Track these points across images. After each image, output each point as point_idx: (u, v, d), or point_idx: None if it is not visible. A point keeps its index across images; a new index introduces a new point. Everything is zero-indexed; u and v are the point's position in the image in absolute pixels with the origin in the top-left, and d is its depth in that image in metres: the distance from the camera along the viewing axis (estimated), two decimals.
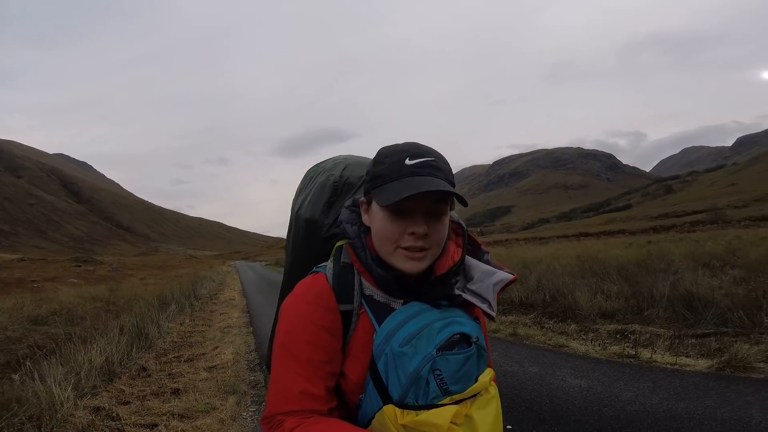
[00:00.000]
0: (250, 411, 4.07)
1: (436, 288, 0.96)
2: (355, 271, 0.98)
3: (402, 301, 0.96)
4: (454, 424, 0.83)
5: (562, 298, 7.86)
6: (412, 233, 0.91)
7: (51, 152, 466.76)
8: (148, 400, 4.23)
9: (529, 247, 29.92)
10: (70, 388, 3.85)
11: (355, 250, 0.98)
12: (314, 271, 1.02)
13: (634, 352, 5.14)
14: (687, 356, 4.99)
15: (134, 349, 5.87)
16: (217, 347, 6.60)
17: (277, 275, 27.29)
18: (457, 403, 0.86)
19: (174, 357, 6.01)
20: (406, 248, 0.92)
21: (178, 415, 3.82)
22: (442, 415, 0.83)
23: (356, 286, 0.97)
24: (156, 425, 3.60)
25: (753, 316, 5.55)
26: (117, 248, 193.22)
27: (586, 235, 50.68)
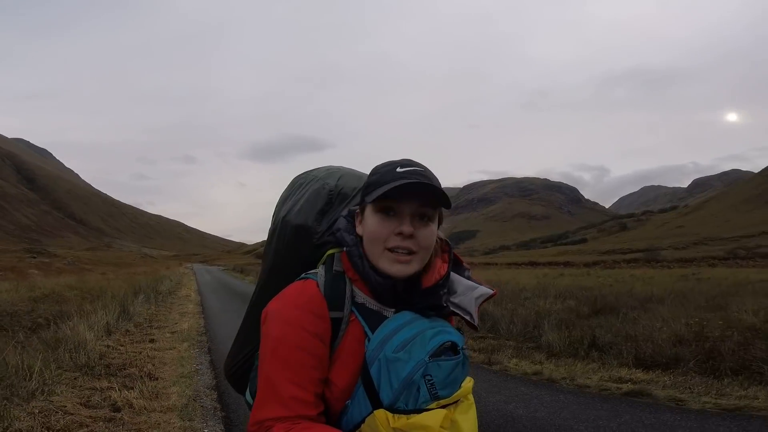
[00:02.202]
0: (195, 350, 6.89)
1: (426, 299, 1.00)
2: (347, 279, 1.02)
3: (393, 309, 1.00)
4: (442, 427, 0.87)
5: None
6: (399, 233, 0.96)
7: (10, 136, 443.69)
8: (135, 344, 7.04)
9: (475, 271, 31.57)
10: (90, 334, 6.25)
11: (351, 258, 1.01)
12: (303, 278, 1.03)
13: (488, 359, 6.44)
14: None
15: (120, 319, 8.40)
16: (176, 323, 9.44)
17: (233, 279, 28.41)
18: (443, 407, 0.90)
19: (147, 326, 8.79)
20: (392, 250, 0.96)
21: (154, 349, 6.76)
22: (434, 417, 0.86)
23: (347, 294, 1.00)
24: (141, 351, 6.47)
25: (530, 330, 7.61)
26: (67, 240, 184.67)
27: (533, 264, 53.10)
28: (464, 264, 1.14)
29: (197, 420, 3.95)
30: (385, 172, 1.01)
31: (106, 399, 4.17)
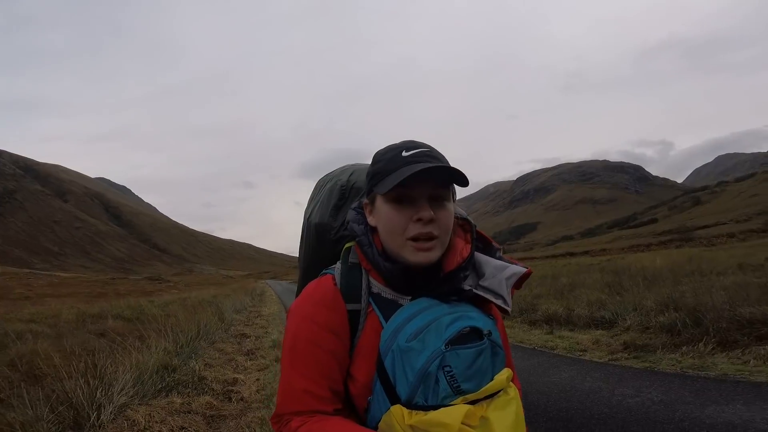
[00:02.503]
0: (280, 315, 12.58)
1: (445, 284, 0.94)
2: (363, 270, 0.99)
3: (410, 297, 0.95)
4: (467, 425, 0.77)
5: None
6: (419, 219, 0.91)
7: (93, 176, 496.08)
8: (253, 322, 11.13)
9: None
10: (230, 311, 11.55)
11: (362, 247, 0.98)
12: (323, 273, 1.03)
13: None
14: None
15: (248, 305, 15.26)
16: (266, 305, 16.42)
17: (295, 287, 36.25)
18: (472, 403, 0.80)
19: (255, 309, 14.67)
20: (414, 239, 0.92)
21: (261, 316, 12.21)
22: (453, 414, 0.77)
23: (364, 285, 0.97)
24: (255, 318, 11.49)
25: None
26: (154, 268, 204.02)
27: (571, 254, 54.15)
28: (494, 243, 1.06)
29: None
30: (389, 158, 0.96)
31: (240, 350, 7.04)
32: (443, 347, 0.82)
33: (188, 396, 4.00)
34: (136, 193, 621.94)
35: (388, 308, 0.95)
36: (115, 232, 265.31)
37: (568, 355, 5.75)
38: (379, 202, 0.97)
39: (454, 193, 1.01)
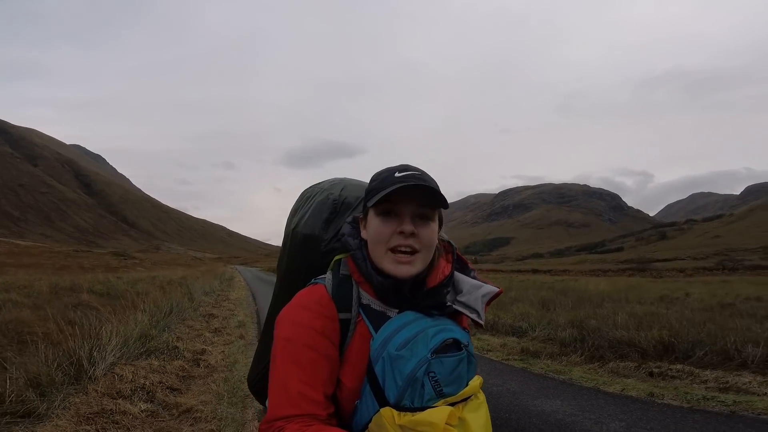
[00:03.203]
0: (248, 297, 14.15)
1: (429, 298, 1.05)
2: (354, 282, 1.08)
3: (397, 310, 1.05)
4: (449, 425, 0.88)
5: None
6: (401, 232, 1.02)
7: (69, 143, 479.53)
8: (221, 304, 11.91)
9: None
10: (200, 292, 12.55)
11: (356, 261, 1.08)
12: (312, 283, 1.10)
13: None
14: None
15: (216, 288, 16.24)
16: (234, 290, 17.24)
17: (265, 275, 36.30)
18: (451, 405, 0.92)
19: (223, 293, 15.39)
20: (394, 250, 1.03)
21: (229, 300, 13.10)
22: (438, 414, 0.88)
23: (354, 296, 1.06)
24: (224, 301, 12.41)
25: None
26: (119, 243, 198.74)
27: (535, 271, 56.32)
28: (469, 264, 1.18)
29: (251, 321, 9.36)
30: (384, 177, 1.07)
31: (208, 327, 7.88)
32: (429, 355, 0.91)
33: (164, 360, 4.77)
34: (111, 163, 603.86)
35: (378, 319, 1.04)
36: (83, 201, 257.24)
37: (474, 352, 6.80)
38: (371, 216, 1.07)
39: (441, 217, 1.12)
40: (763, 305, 11.08)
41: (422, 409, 0.89)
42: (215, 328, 7.69)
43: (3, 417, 2.76)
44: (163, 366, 4.50)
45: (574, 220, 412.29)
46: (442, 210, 1.12)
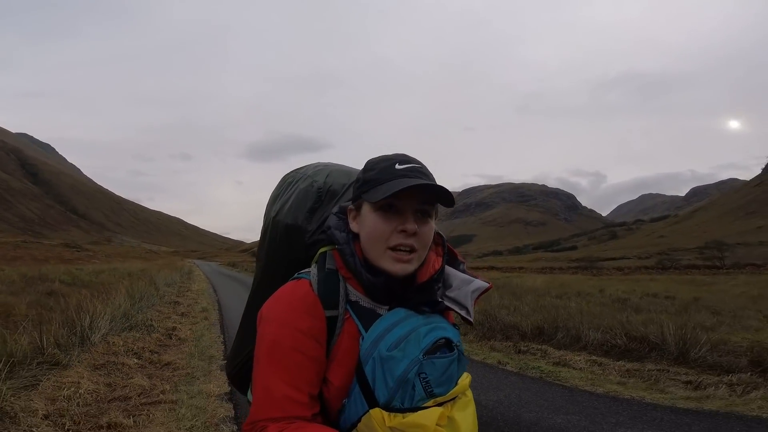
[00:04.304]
0: (209, 289, 15.50)
1: (420, 295, 0.99)
2: (341, 277, 1.00)
3: (387, 307, 0.99)
4: (439, 425, 0.86)
5: None
6: (403, 231, 0.95)
7: (14, 131, 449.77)
8: (184, 294, 13.34)
9: None
10: (162, 284, 13.61)
11: (343, 256, 1.00)
12: (296, 277, 1.02)
13: None
14: None
15: (177, 280, 17.31)
16: (195, 283, 18.56)
17: (225, 270, 36.11)
18: (440, 405, 0.89)
19: (185, 285, 16.27)
20: (394, 249, 0.96)
21: (191, 291, 14.69)
22: (429, 416, 0.86)
23: (341, 292, 0.99)
24: (186, 291, 14.12)
25: None
26: (68, 234, 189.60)
27: (492, 268, 59.20)
28: (459, 257, 1.12)
29: (213, 308, 10.33)
30: (382, 168, 1.00)
31: (175, 312, 9.79)
32: (421, 356, 0.88)
33: (144, 333, 5.94)
34: (60, 153, 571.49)
35: (367, 316, 0.98)
36: (28, 190, 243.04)
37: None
38: (366, 209, 0.99)
39: (437, 210, 1.03)
40: (657, 300, 13.20)
41: (412, 409, 0.87)
42: (182, 313, 8.86)
43: (42, 364, 3.83)
44: (144, 338, 5.67)
45: (532, 218, 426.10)
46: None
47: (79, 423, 2.97)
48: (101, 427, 2.97)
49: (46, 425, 2.79)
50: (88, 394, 3.44)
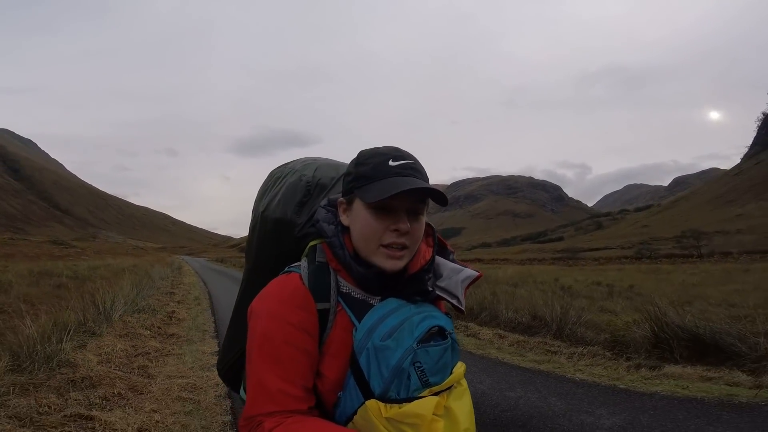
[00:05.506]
0: (200, 283, 16.84)
1: (412, 285, 1.01)
2: (331, 270, 1.01)
3: (379, 297, 1.00)
4: (436, 415, 0.87)
5: None
6: (396, 230, 0.96)
7: None
8: (177, 286, 14.38)
9: None
10: (157, 277, 14.39)
11: (333, 249, 1.01)
12: (286, 271, 1.03)
13: None
14: None
15: (169, 275, 18.17)
16: (186, 277, 19.32)
17: (214, 265, 37.42)
18: (436, 394, 0.90)
19: (176, 279, 17.44)
20: (387, 246, 0.97)
21: (183, 284, 15.87)
22: (425, 406, 0.87)
23: (332, 285, 0.99)
24: (179, 284, 15.20)
25: None
26: (52, 230, 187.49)
27: (479, 260, 61.08)
28: (448, 247, 1.15)
29: (204, 297, 11.82)
30: (376, 164, 1.00)
31: (172, 300, 11.23)
32: (415, 345, 0.89)
33: (149, 315, 7.41)
34: (42, 148, 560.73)
35: (360, 308, 0.98)
36: (10, 186, 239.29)
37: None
38: (358, 205, 0.99)
39: (428, 204, 1.03)
40: (599, 288, 14.45)
41: (408, 400, 0.88)
42: (177, 301, 10.37)
43: (86, 332, 5.23)
44: (150, 318, 7.13)
45: (520, 210, 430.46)
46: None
47: (121, 366, 4.43)
48: (135, 367, 4.46)
49: (100, 367, 4.27)
50: (121, 351, 4.87)
